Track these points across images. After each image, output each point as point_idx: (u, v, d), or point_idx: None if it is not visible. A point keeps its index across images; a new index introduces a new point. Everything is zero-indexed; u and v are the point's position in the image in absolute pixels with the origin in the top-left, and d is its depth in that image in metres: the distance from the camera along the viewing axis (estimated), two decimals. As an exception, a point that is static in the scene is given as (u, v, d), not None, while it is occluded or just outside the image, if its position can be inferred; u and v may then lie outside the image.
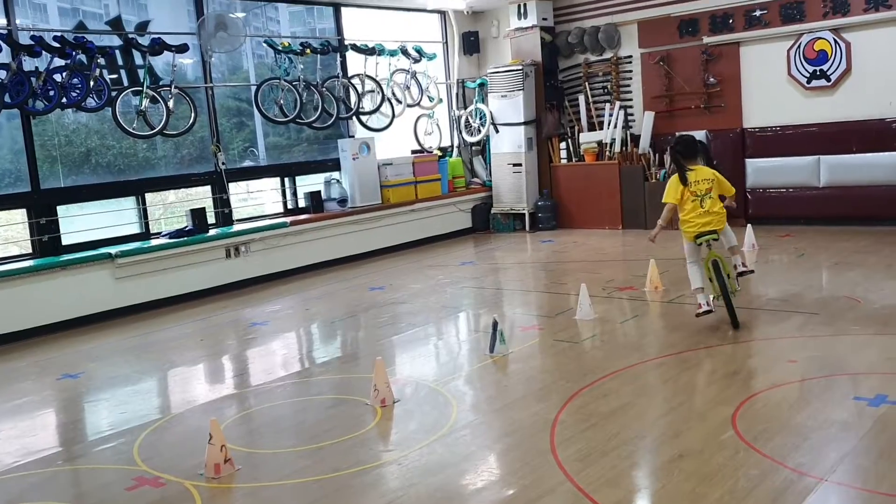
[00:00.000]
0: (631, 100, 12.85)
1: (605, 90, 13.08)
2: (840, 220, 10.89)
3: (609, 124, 12.67)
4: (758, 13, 11.41)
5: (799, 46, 11.18)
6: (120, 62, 9.73)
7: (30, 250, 9.12)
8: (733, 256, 6.92)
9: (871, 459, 3.95)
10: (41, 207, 9.14)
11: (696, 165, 6.60)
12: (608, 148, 12.64)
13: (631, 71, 12.83)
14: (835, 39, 10.88)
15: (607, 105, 12.86)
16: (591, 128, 13.08)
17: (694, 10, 11.97)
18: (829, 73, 11.01)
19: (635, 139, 12.58)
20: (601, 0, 12.92)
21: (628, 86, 12.87)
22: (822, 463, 3.93)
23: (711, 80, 11.95)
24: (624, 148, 12.54)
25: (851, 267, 8.54)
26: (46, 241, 9.13)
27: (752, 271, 7.13)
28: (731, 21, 11.65)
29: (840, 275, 8.33)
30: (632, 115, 12.82)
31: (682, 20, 12.09)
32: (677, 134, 7.87)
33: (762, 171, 11.57)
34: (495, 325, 6.36)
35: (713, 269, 6.45)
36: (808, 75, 11.17)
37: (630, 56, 12.80)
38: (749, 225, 10.24)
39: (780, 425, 4.45)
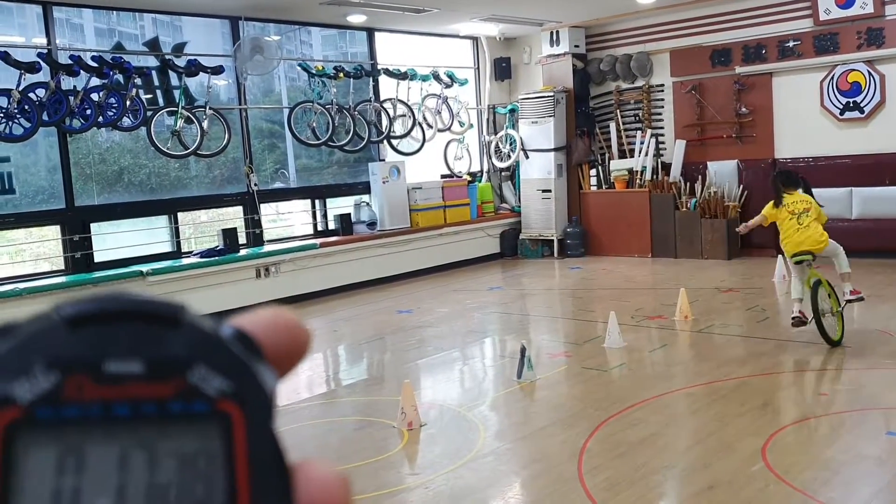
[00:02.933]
0: (662, 128, 12.83)
1: (637, 118, 13.07)
2: (872, 253, 10.77)
3: (640, 152, 12.65)
4: (791, 44, 11.37)
5: (832, 78, 11.12)
6: (156, 83, 9.86)
7: (62, 266, 9.22)
8: (843, 284, 6.96)
9: (904, 496, 3.89)
10: (75, 224, 9.25)
11: (794, 192, 7.04)
12: (639, 176, 12.61)
13: (663, 99, 12.82)
14: (869, 71, 10.82)
15: (638, 133, 12.84)
16: (622, 155, 13.07)
17: (727, 40, 11.95)
18: (862, 104, 10.94)
19: (666, 167, 12.55)
20: (633, 28, 12.93)
21: (660, 114, 12.86)
22: (855, 498, 3.88)
23: (743, 109, 11.90)
24: (655, 176, 12.51)
25: (885, 300, 8.46)
26: (79, 257, 9.23)
27: (861, 298, 7.08)
28: (764, 52, 11.61)
29: (873, 307, 8.23)
30: (663, 143, 12.79)
31: (715, 50, 12.07)
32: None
33: (794, 201, 11.48)
34: (523, 350, 6.34)
35: (812, 289, 6.58)
36: (841, 107, 11.10)
37: (662, 84, 12.80)
38: (780, 255, 10.14)
39: (810, 459, 4.40)
